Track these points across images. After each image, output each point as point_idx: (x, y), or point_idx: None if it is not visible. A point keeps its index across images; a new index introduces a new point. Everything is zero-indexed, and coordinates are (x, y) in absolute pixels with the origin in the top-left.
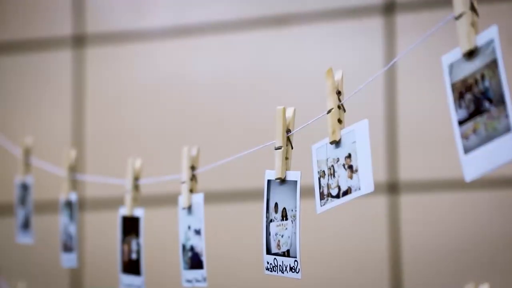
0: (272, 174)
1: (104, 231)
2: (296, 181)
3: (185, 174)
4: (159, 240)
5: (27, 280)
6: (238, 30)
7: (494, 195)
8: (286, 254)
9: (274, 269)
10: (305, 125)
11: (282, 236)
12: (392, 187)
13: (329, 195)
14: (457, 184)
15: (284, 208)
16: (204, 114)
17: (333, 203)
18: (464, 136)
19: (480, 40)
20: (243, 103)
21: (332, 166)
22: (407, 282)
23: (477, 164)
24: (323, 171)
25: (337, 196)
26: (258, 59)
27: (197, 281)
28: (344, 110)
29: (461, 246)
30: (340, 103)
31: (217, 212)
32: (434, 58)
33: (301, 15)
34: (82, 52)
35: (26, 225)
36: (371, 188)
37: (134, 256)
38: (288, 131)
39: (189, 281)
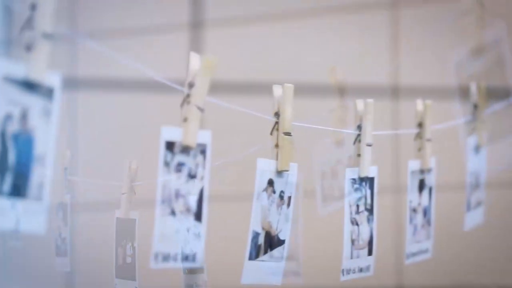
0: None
1: (98, 234)
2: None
3: None
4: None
5: (20, 284)
6: (240, 24)
7: (499, 195)
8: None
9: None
10: (306, 125)
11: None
12: (396, 188)
13: (332, 196)
14: (459, 185)
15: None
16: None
17: (335, 204)
18: (471, 135)
19: (488, 36)
20: (243, 101)
21: (334, 167)
22: (410, 282)
23: (484, 163)
24: (325, 172)
25: (340, 197)
26: (261, 54)
27: (197, 285)
28: (347, 109)
29: (465, 247)
30: (343, 102)
31: (217, 214)
32: (439, 55)
33: (301, 11)
34: (76, 48)
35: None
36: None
37: (129, 260)
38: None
39: (189, 285)
